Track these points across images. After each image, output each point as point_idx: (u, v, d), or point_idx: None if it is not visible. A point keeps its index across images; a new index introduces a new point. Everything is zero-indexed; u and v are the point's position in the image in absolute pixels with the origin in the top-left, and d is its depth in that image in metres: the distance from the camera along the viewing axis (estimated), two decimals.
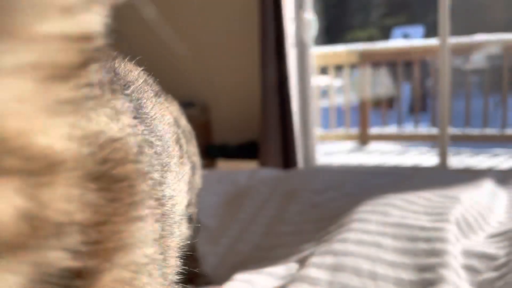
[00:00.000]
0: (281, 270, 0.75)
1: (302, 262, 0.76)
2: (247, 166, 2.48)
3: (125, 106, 0.28)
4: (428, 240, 0.75)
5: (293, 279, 0.70)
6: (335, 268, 0.70)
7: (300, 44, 2.52)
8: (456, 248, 0.74)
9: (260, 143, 2.45)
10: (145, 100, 0.36)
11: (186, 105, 2.85)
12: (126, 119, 0.26)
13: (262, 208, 1.07)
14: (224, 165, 2.55)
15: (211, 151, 2.77)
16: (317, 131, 2.85)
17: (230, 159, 2.56)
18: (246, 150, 2.61)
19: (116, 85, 0.30)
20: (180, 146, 0.42)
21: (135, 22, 2.95)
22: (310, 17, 2.51)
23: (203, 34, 2.83)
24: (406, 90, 4.87)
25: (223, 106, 2.86)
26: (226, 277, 0.74)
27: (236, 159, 2.55)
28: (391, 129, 3.73)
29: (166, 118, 0.38)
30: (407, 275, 0.68)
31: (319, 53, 3.59)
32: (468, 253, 0.74)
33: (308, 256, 0.77)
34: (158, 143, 0.32)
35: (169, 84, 2.57)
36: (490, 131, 3.24)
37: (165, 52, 2.98)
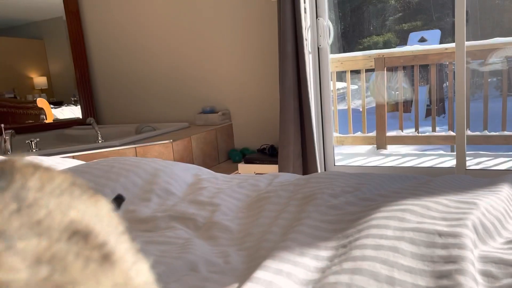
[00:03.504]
0: (300, 272, 0.77)
1: (322, 268, 0.78)
2: (267, 170, 2.52)
3: None
4: (445, 246, 0.75)
5: (313, 286, 0.72)
6: (354, 272, 0.71)
7: (317, 50, 2.57)
8: (473, 254, 0.74)
9: (279, 147, 2.49)
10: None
11: (209, 111, 2.92)
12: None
13: (282, 211, 1.09)
14: (244, 169, 2.60)
15: (232, 156, 2.83)
16: (335, 135, 2.87)
17: (251, 163, 2.60)
18: (266, 155, 2.65)
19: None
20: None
21: (170, 36, 3.04)
22: (327, 24, 2.55)
23: (224, 43, 2.90)
24: (423, 94, 4.85)
25: (244, 112, 2.92)
26: (250, 274, 0.76)
27: (256, 163, 2.60)
28: (408, 132, 3.73)
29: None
30: (425, 281, 0.68)
31: (336, 58, 3.61)
32: (485, 259, 0.74)
33: (328, 261, 0.79)
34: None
35: (193, 92, 2.68)
36: (508, 133, 3.22)
37: (188, 62, 3.05)
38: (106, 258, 0.27)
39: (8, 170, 0.29)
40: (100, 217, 0.31)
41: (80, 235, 0.27)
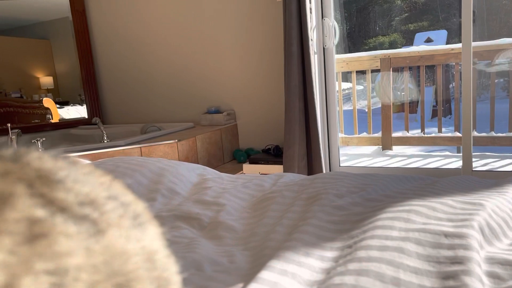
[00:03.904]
0: (305, 272, 0.77)
1: (327, 268, 0.78)
2: (272, 170, 2.52)
3: None
4: (451, 247, 0.75)
5: (318, 287, 0.72)
6: (359, 273, 0.71)
7: (323, 50, 2.56)
8: (479, 255, 0.74)
9: (284, 147, 2.48)
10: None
11: (214, 112, 2.92)
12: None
13: (287, 211, 1.08)
14: (249, 169, 2.60)
15: (237, 156, 2.83)
16: (340, 135, 2.87)
17: (255, 164, 2.60)
18: (271, 155, 2.65)
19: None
20: None
21: (176, 38, 3.04)
22: (333, 24, 2.54)
23: (230, 44, 2.90)
24: (429, 94, 4.83)
25: (249, 112, 2.93)
26: (255, 274, 0.75)
27: (261, 163, 2.60)
28: (414, 133, 3.72)
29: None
30: (430, 282, 0.68)
31: (342, 59, 3.61)
32: (491, 260, 0.74)
33: (333, 261, 0.79)
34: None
35: (198, 92, 2.69)
36: None
37: (193, 62, 3.05)
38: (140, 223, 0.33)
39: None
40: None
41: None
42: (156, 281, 0.31)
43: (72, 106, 3.59)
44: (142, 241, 0.32)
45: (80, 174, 0.32)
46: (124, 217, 0.32)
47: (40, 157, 0.31)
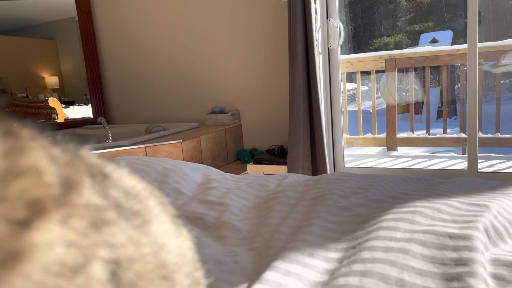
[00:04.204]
0: (309, 273, 0.77)
1: (331, 269, 0.78)
2: (276, 171, 2.52)
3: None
4: (456, 248, 0.75)
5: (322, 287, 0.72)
6: (363, 274, 0.71)
7: (328, 51, 2.56)
8: (484, 256, 0.73)
9: (288, 148, 2.48)
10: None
11: (219, 112, 2.93)
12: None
13: (292, 211, 1.08)
14: (253, 170, 2.60)
15: (242, 156, 2.83)
16: (345, 136, 2.86)
17: (260, 164, 2.61)
18: (275, 155, 2.65)
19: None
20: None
21: (179, 39, 3.05)
22: (338, 25, 2.54)
23: (235, 44, 2.90)
24: (434, 95, 4.81)
25: (254, 113, 2.93)
26: (259, 274, 0.76)
27: (265, 164, 2.60)
28: (419, 133, 3.71)
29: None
30: (435, 284, 0.67)
31: (346, 59, 3.60)
32: (497, 262, 0.73)
33: (337, 262, 0.79)
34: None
35: (203, 93, 2.69)
36: None
37: (198, 62, 3.06)
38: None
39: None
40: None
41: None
42: (189, 277, 0.32)
43: (77, 105, 3.60)
44: (179, 237, 0.34)
45: (121, 171, 0.34)
46: (164, 212, 0.34)
47: (89, 153, 0.32)
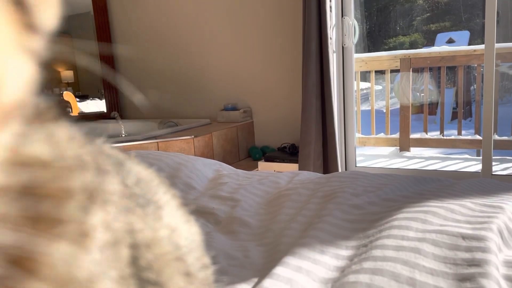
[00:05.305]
0: (320, 270, 0.77)
1: (341, 267, 0.78)
2: (287, 169, 2.52)
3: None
4: (469, 249, 0.74)
5: (332, 285, 0.72)
6: (374, 272, 0.70)
7: (342, 49, 2.54)
8: (498, 258, 0.73)
9: (300, 146, 2.48)
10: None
11: (231, 109, 2.93)
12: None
13: (302, 208, 1.08)
14: (264, 167, 2.60)
15: (253, 153, 2.83)
16: (357, 135, 2.85)
17: (271, 162, 2.60)
18: (287, 153, 2.65)
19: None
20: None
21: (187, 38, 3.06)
22: (353, 23, 2.52)
23: (248, 41, 2.90)
24: (449, 96, 4.76)
25: (266, 110, 2.93)
26: (269, 269, 0.76)
27: (276, 161, 2.59)
28: (433, 134, 3.67)
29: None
30: (447, 284, 0.67)
31: (361, 58, 3.58)
32: (510, 264, 0.72)
33: (348, 260, 0.79)
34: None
35: (215, 89, 2.69)
36: None
37: (211, 59, 3.06)
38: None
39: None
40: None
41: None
42: (199, 261, 0.35)
43: (91, 100, 3.64)
44: (188, 222, 0.36)
45: (132, 161, 0.37)
46: (173, 199, 0.36)
47: (108, 145, 0.35)
